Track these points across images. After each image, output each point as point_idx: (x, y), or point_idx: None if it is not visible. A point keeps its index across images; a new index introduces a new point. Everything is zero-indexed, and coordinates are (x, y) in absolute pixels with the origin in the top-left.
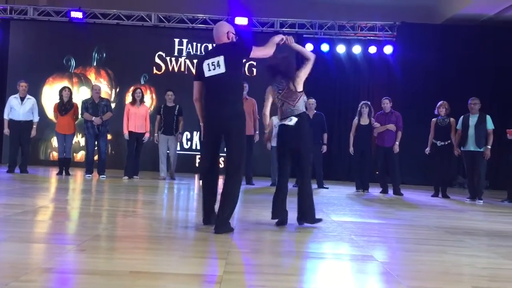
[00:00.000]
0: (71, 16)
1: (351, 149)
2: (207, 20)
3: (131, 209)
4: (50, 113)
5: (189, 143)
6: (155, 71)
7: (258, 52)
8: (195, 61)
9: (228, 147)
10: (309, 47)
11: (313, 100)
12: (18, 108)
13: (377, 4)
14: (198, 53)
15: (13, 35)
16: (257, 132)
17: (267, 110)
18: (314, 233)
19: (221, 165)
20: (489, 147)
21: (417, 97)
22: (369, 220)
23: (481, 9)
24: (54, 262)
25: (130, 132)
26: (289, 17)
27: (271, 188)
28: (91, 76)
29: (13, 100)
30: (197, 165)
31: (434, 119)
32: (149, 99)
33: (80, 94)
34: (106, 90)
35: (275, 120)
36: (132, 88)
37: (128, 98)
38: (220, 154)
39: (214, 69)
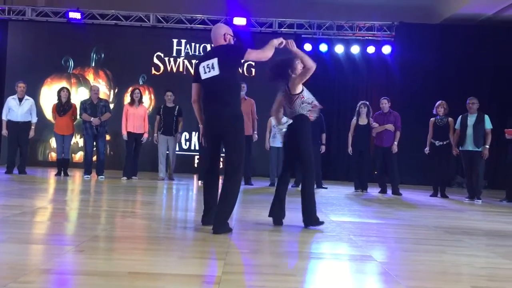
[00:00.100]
0: (69, 16)
1: (350, 149)
2: (205, 20)
3: (130, 210)
4: (49, 114)
5: (187, 143)
6: (153, 71)
7: (255, 55)
8: (193, 61)
9: (226, 147)
10: (308, 47)
11: None
12: (16, 109)
13: (375, 4)
14: (197, 53)
15: (11, 35)
16: (255, 132)
17: (273, 109)
18: (313, 233)
19: (221, 166)
20: (488, 146)
21: (415, 97)
22: (368, 220)
23: (479, 9)
24: (53, 263)
25: (128, 133)
26: (287, 17)
27: (270, 188)
28: (90, 76)
29: (11, 101)
30: (195, 165)
31: (432, 119)
32: (148, 100)
33: (79, 95)
34: (104, 91)
35: (273, 121)
36: (130, 89)
37: (127, 99)
38: (220, 155)
39: (209, 71)
